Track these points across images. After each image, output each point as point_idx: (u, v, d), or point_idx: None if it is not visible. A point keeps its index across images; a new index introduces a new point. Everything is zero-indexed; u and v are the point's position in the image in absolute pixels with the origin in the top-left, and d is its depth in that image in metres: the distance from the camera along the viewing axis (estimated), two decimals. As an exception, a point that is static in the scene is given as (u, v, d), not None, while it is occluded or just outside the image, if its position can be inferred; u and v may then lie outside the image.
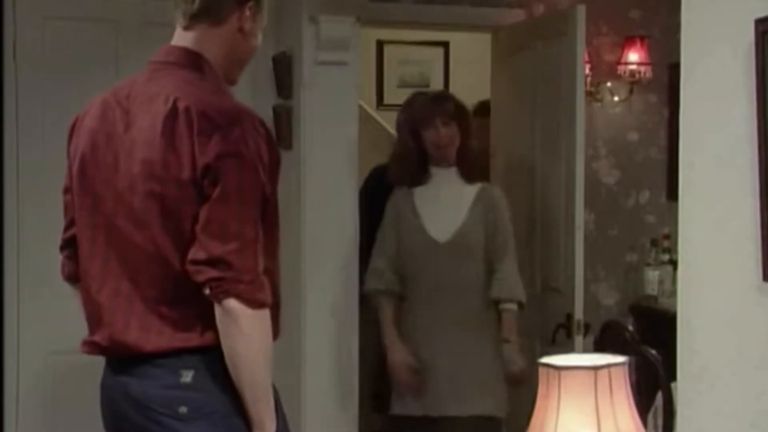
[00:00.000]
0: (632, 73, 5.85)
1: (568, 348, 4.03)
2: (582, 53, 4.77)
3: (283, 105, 4.44)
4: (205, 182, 2.20)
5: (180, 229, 2.23)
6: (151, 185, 2.24)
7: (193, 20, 2.39)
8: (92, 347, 2.38)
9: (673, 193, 5.52)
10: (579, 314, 4.21)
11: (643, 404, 2.38)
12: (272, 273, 2.33)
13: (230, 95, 2.39)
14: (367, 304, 3.97)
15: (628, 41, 5.84)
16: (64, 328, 3.30)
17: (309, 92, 4.20)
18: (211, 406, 2.27)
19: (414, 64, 7.04)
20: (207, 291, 2.21)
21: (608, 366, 1.90)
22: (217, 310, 2.22)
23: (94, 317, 2.37)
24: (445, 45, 7.00)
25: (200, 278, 2.21)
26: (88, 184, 2.37)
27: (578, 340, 4.15)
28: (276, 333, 2.34)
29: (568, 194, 4.32)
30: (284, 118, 4.36)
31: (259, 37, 2.49)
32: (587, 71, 5.43)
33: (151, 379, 2.27)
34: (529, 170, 4.69)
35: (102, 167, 2.33)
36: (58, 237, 2.54)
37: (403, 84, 6.92)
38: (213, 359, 2.27)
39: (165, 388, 2.26)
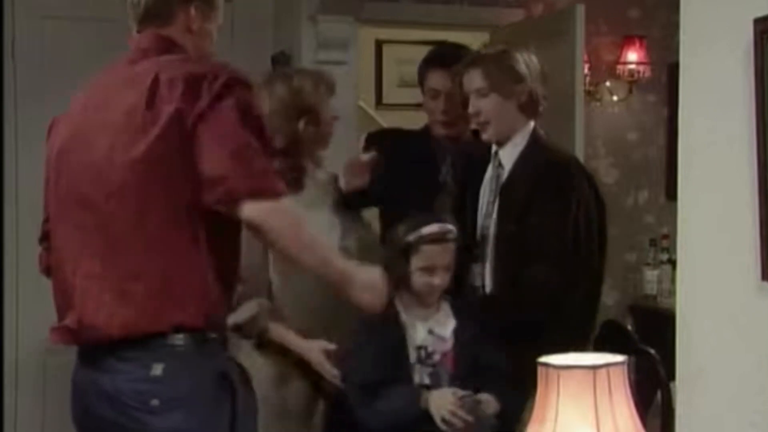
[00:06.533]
0: (631, 73, 5.86)
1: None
2: (581, 53, 4.78)
3: (282, 104, 4.44)
4: (198, 129, 2.21)
5: (170, 190, 2.24)
6: (135, 151, 2.24)
7: (142, 24, 2.43)
8: (62, 334, 2.36)
9: (672, 192, 5.54)
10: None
11: (642, 404, 2.38)
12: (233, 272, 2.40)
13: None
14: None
15: (627, 41, 5.85)
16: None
17: (308, 92, 4.20)
18: (182, 397, 2.27)
19: (413, 63, 6.99)
20: (221, 208, 2.23)
21: (607, 365, 1.90)
22: (243, 229, 2.30)
23: (66, 300, 2.36)
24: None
25: (211, 201, 2.23)
26: (64, 167, 2.37)
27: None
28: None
29: (567, 194, 4.31)
30: (283, 117, 4.37)
31: (214, 38, 2.50)
32: (586, 71, 5.43)
33: (122, 373, 2.27)
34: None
35: (79, 151, 2.34)
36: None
37: (402, 83, 6.91)
38: (183, 351, 2.28)
39: (136, 382, 2.26)
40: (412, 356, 2.93)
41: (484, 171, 3.23)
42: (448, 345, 2.96)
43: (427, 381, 2.92)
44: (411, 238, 2.93)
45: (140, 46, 2.42)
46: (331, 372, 2.99)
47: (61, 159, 2.39)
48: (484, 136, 3.18)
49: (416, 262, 2.94)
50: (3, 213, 4.40)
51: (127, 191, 2.26)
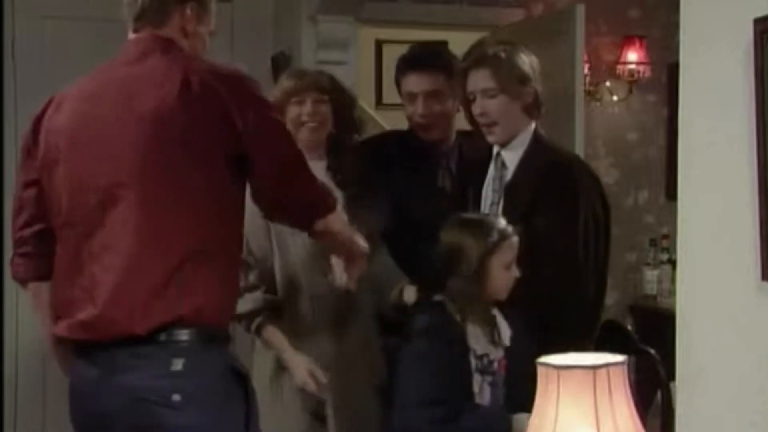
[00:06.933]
0: (631, 73, 5.86)
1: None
2: (581, 53, 4.77)
3: (282, 104, 4.45)
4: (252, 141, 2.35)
5: (202, 187, 2.31)
6: (166, 151, 2.29)
7: (138, 22, 2.47)
8: (76, 328, 2.35)
9: (672, 192, 5.54)
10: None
11: (642, 404, 2.38)
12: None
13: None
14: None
15: (627, 41, 5.86)
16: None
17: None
18: (202, 393, 2.28)
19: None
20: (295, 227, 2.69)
21: (607, 365, 1.90)
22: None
23: (82, 295, 2.34)
24: (444, 45, 7.01)
25: (287, 221, 2.66)
26: (79, 163, 2.37)
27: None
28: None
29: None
30: (283, 117, 4.37)
31: (207, 41, 2.54)
32: (586, 71, 5.43)
33: (141, 369, 2.28)
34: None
35: (98, 147, 2.35)
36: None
37: (402, 83, 6.91)
38: (201, 347, 2.30)
39: (156, 378, 2.27)
40: (473, 365, 2.80)
41: (482, 172, 3.22)
42: (501, 352, 2.85)
43: (487, 390, 2.80)
44: (495, 237, 2.81)
45: (140, 45, 2.44)
46: (312, 389, 2.97)
47: (75, 155, 2.38)
48: (491, 138, 3.16)
49: (500, 259, 2.82)
50: (3, 212, 4.39)
51: (156, 187, 2.29)
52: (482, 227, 2.84)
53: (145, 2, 2.44)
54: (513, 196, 3.10)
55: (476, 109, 3.14)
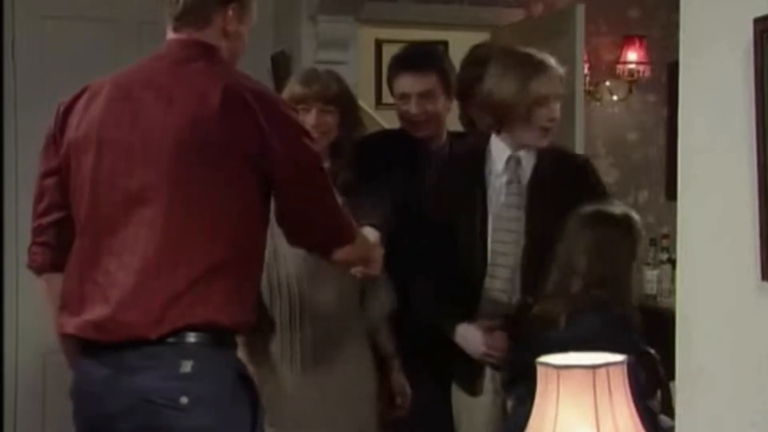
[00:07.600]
0: (631, 73, 5.87)
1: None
2: (581, 53, 4.78)
3: (281, 104, 4.45)
4: (271, 158, 2.33)
5: (232, 195, 2.31)
6: (200, 159, 2.29)
7: (178, 22, 2.44)
8: (87, 328, 2.33)
9: (671, 192, 5.54)
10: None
11: (642, 403, 2.37)
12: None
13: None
14: None
15: (626, 40, 5.86)
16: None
17: (308, 91, 4.18)
18: (210, 395, 2.28)
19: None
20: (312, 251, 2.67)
21: (607, 365, 1.90)
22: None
23: (97, 292, 2.33)
24: (444, 44, 7.02)
25: (304, 244, 2.61)
26: (108, 156, 2.35)
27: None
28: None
29: (567, 194, 4.30)
30: (283, 117, 4.37)
31: (246, 40, 2.53)
32: (586, 71, 5.44)
33: (150, 370, 2.27)
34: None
35: (128, 143, 2.34)
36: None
37: (402, 83, 6.91)
38: (211, 349, 2.29)
39: (165, 380, 2.26)
40: None
41: (477, 171, 3.21)
42: None
43: None
44: (636, 227, 2.81)
45: (183, 49, 2.42)
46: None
47: (106, 150, 2.36)
48: (546, 141, 3.19)
49: (640, 249, 2.86)
50: (3, 213, 4.40)
51: (186, 195, 2.29)
52: (623, 219, 2.81)
53: (187, 3, 2.41)
54: (537, 198, 3.12)
55: (551, 113, 3.15)
